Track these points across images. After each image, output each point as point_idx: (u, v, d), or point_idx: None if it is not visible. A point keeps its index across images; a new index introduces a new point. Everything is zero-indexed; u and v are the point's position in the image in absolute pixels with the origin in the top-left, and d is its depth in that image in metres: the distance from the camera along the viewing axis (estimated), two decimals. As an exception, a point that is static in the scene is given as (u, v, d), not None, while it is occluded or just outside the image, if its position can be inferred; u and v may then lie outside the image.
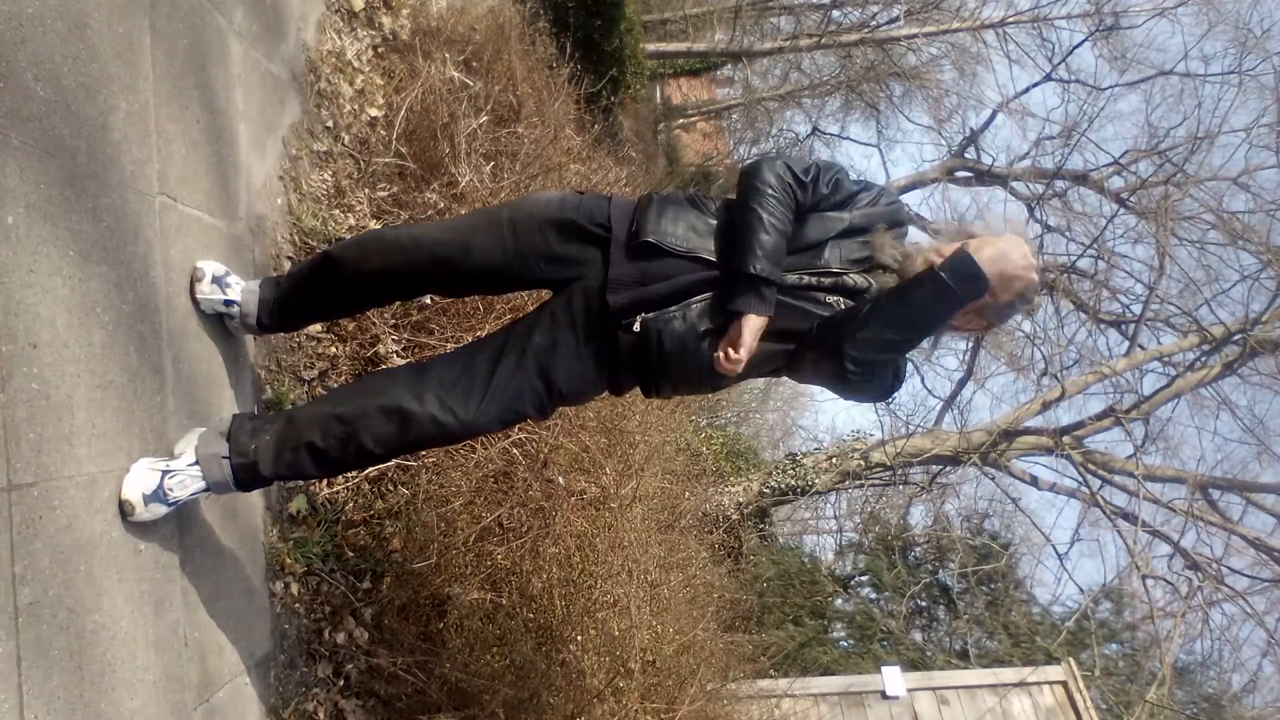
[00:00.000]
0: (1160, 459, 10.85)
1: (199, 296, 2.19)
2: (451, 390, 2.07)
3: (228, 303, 2.24)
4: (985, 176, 13.20)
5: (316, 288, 2.30)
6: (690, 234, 2.13)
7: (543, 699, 3.14)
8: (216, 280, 2.22)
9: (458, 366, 2.12)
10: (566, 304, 2.15)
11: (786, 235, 2.08)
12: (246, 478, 2.04)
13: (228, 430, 2.06)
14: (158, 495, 1.89)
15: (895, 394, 2.27)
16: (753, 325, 2.05)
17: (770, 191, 2.08)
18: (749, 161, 2.26)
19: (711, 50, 15.11)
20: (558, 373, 2.12)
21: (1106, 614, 10.06)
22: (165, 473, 1.92)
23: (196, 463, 1.98)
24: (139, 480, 1.87)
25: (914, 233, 2.19)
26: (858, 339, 2.04)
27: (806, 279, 2.12)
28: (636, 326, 2.10)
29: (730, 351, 2.06)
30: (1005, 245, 2.03)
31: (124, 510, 1.84)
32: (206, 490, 2.01)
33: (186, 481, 1.96)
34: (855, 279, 2.14)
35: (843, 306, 2.13)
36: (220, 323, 2.29)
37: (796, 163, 2.15)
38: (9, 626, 1.48)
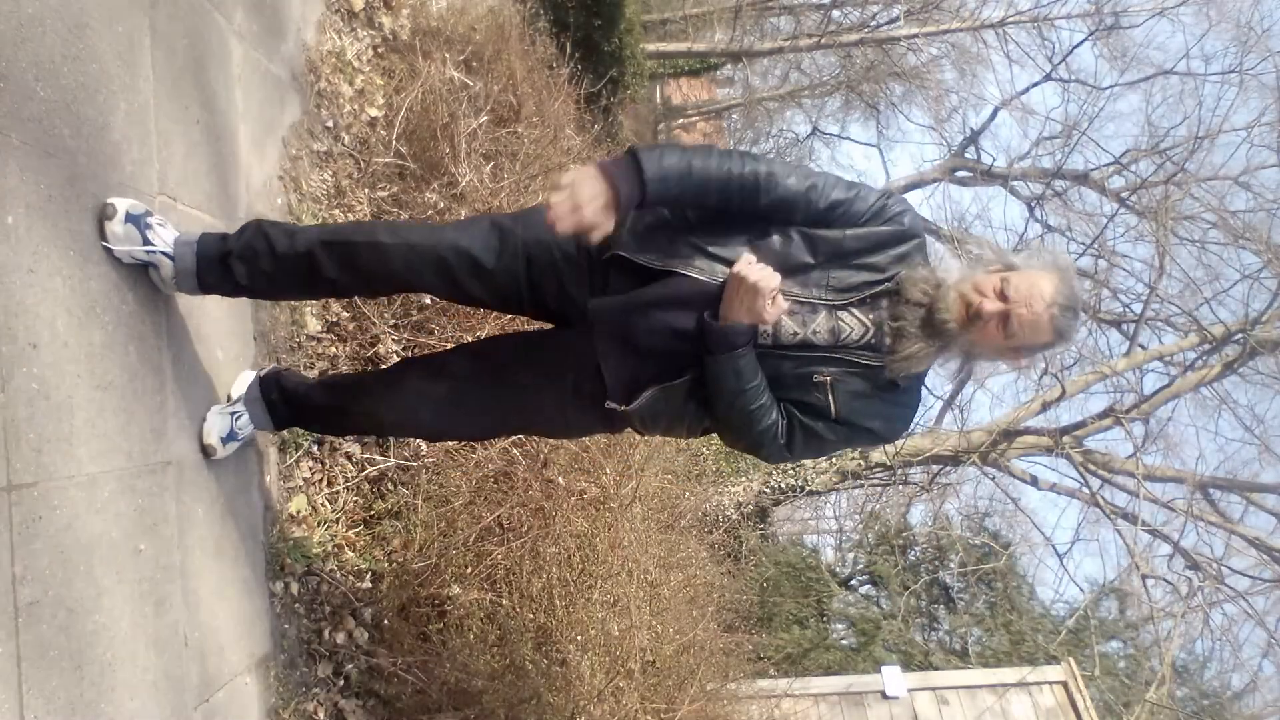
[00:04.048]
0: (1160, 459, 10.87)
1: (111, 243, 1.81)
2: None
3: (152, 252, 1.88)
4: (985, 176, 13.19)
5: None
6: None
7: (543, 699, 3.14)
8: (134, 220, 1.82)
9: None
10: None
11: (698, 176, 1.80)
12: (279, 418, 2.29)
13: (263, 375, 2.30)
14: (231, 435, 2.18)
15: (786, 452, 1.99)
16: (587, 174, 1.73)
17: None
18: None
19: (711, 50, 15.11)
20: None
21: (1107, 614, 10.06)
22: (233, 415, 2.20)
23: (245, 407, 2.24)
24: (216, 425, 2.15)
25: (947, 256, 2.04)
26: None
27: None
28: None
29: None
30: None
31: (206, 453, 2.14)
32: (253, 430, 2.26)
33: (245, 422, 2.22)
34: (849, 318, 1.90)
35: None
36: (221, 323, 2.29)
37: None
38: (9, 626, 1.48)
